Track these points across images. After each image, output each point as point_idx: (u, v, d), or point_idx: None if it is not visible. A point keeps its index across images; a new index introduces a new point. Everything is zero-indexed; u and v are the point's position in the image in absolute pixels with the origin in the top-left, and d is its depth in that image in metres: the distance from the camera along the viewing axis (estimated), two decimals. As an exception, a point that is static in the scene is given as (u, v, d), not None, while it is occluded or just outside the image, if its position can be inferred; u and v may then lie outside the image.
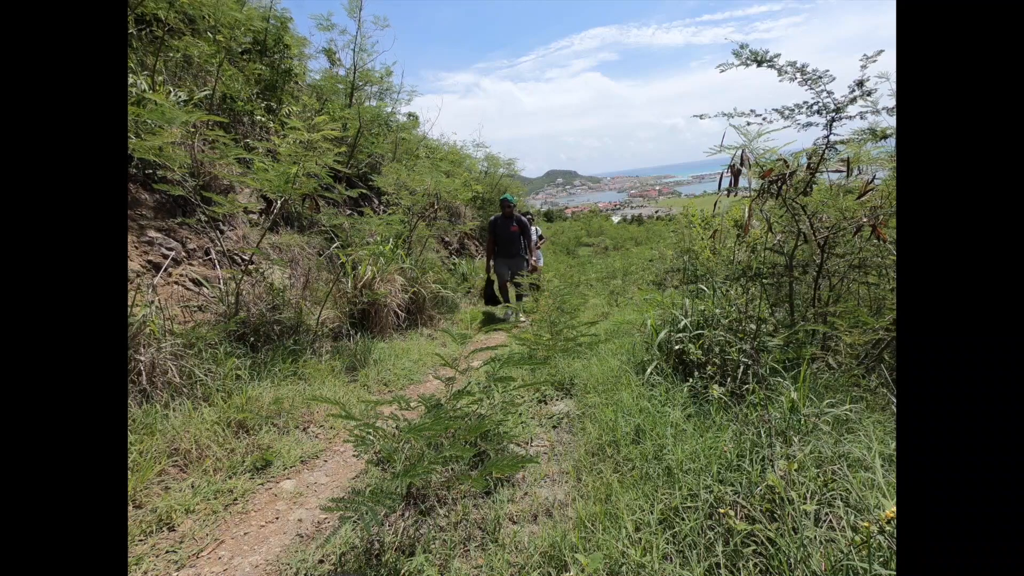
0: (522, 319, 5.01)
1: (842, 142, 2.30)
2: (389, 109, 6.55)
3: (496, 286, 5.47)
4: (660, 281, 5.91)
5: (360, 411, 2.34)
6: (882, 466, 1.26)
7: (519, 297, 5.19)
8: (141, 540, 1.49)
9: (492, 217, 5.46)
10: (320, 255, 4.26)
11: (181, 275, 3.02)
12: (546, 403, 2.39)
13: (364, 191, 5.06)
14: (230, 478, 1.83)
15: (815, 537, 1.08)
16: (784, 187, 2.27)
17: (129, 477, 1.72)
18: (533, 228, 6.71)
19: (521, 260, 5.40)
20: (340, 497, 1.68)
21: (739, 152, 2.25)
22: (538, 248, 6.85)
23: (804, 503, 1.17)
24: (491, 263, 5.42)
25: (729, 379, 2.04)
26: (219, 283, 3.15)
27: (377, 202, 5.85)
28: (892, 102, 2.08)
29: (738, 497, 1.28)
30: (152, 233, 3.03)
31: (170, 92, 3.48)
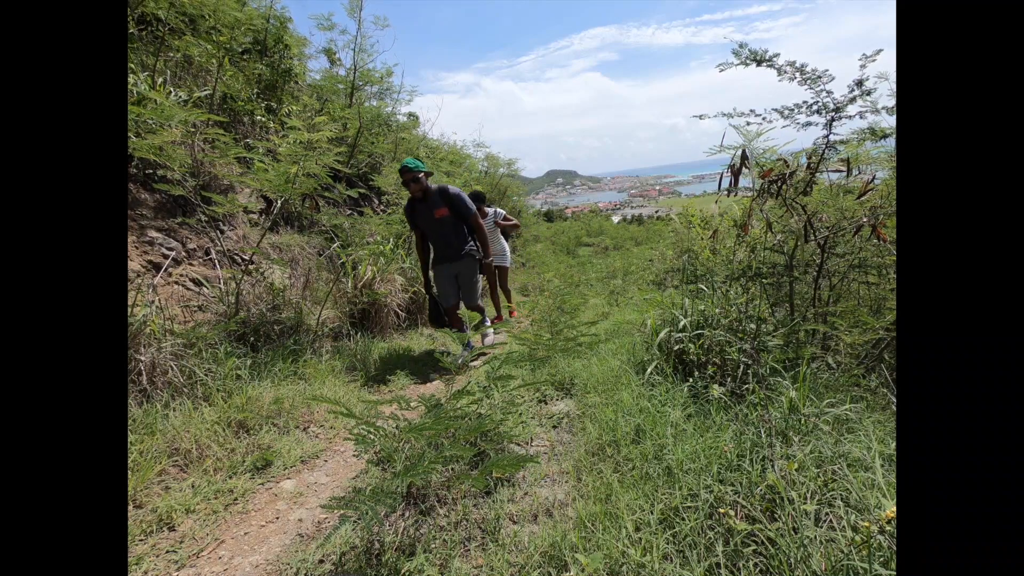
0: (470, 354, 3.44)
1: (842, 142, 2.30)
2: (389, 109, 6.56)
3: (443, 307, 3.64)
4: (660, 281, 5.91)
5: (360, 411, 2.34)
6: (882, 466, 1.26)
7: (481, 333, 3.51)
8: (141, 540, 1.49)
9: (407, 202, 3.45)
10: (320, 255, 4.26)
11: (181, 275, 3.02)
12: (546, 403, 2.39)
13: (364, 191, 5.05)
14: (230, 478, 1.83)
15: (815, 537, 1.08)
16: (784, 187, 2.27)
17: (129, 477, 1.72)
18: (493, 210, 4.92)
19: (470, 263, 3.47)
20: (340, 497, 1.68)
21: (739, 152, 2.25)
22: (502, 229, 4.93)
23: (804, 503, 1.17)
24: (430, 275, 3.59)
25: (729, 379, 2.04)
26: (219, 283, 3.15)
27: (377, 202, 5.84)
28: (891, 102, 2.08)
29: (738, 497, 1.28)
30: (152, 233, 3.03)
31: (170, 92, 3.48)
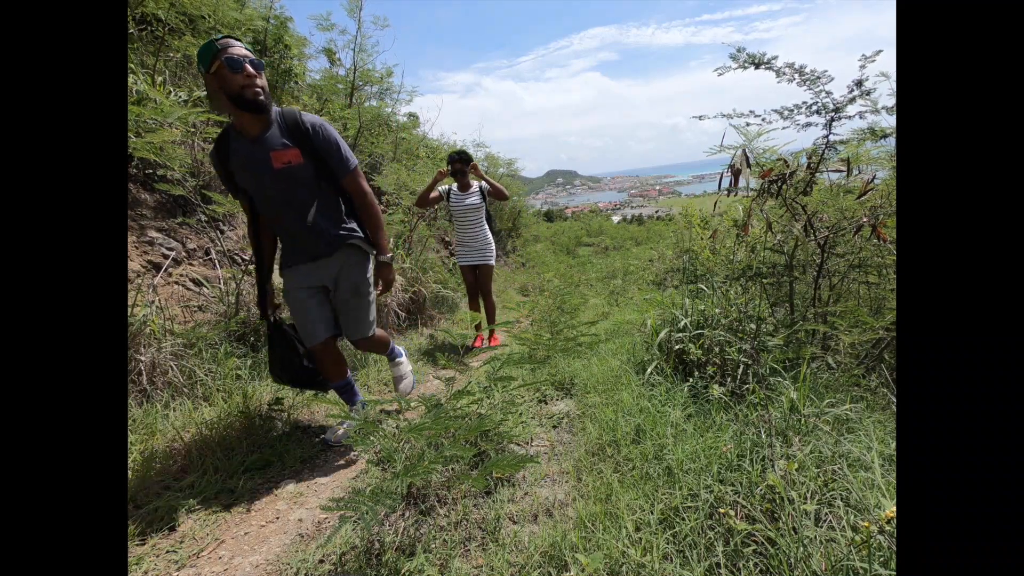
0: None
1: (842, 142, 2.30)
2: (389, 109, 6.56)
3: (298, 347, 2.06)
4: (660, 281, 5.92)
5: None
6: (882, 466, 1.26)
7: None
8: (141, 540, 1.49)
9: (221, 132, 1.74)
10: (320, 255, 4.26)
11: (181, 275, 3.02)
12: (546, 403, 2.39)
13: (364, 191, 5.05)
14: (230, 478, 1.83)
15: (815, 537, 1.08)
16: (784, 187, 2.27)
17: (129, 477, 1.72)
18: (477, 184, 3.55)
19: (353, 259, 1.97)
20: (340, 497, 1.68)
21: (739, 152, 2.26)
22: (488, 201, 3.61)
23: (804, 503, 1.17)
24: (271, 285, 2.03)
25: (729, 379, 2.04)
26: (219, 283, 3.15)
27: (378, 202, 5.83)
28: (891, 101, 2.08)
29: (738, 497, 1.28)
30: (152, 233, 3.03)
31: (170, 92, 3.48)
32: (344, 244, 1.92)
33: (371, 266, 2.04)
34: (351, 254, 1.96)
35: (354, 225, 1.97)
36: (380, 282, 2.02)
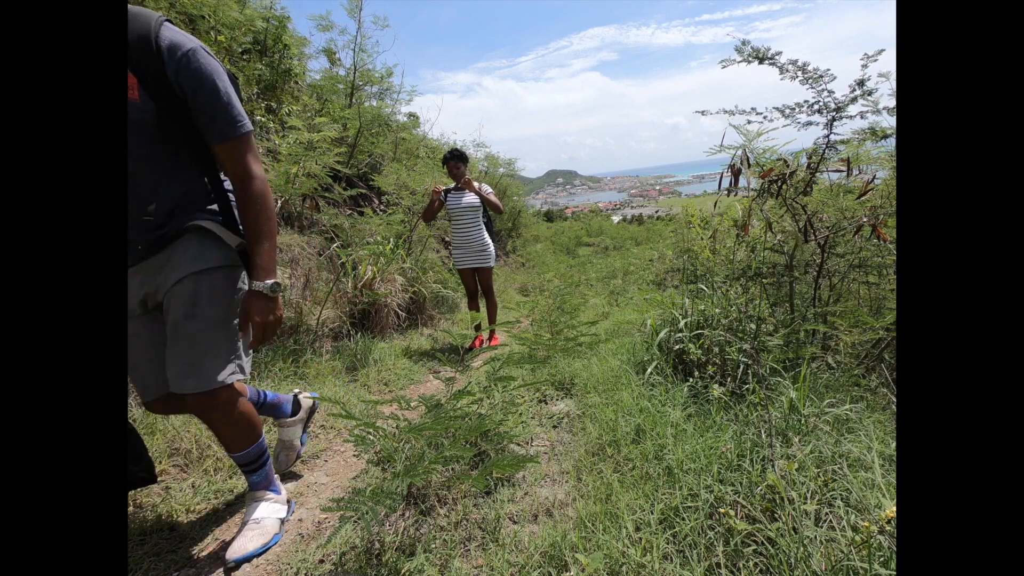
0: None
1: (842, 141, 2.30)
2: (389, 109, 6.56)
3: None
4: (660, 281, 5.92)
5: (360, 411, 2.33)
6: (882, 466, 1.26)
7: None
8: (141, 540, 1.49)
9: None
10: (320, 255, 4.26)
11: (181, 275, 3.02)
12: (546, 403, 2.39)
13: (364, 191, 5.05)
14: (230, 478, 1.83)
15: (815, 537, 1.08)
16: (784, 187, 2.27)
17: (129, 477, 1.72)
18: (477, 185, 3.42)
19: (196, 255, 1.18)
20: (340, 497, 1.68)
21: (739, 152, 2.26)
22: (487, 215, 3.58)
23: (804, 503, 1.17)
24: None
25: (729, 379, 2.04)
26: (219, 283, 3.15)
27: (377, 202, 5.84)
28: (892, 102, 2.08)
29: (738, 497, 1.28)
30: (152, 233, 3.03)
31: (170, 92, 3.49)
32: (185, 231, 1.19)
33: (238, 277, 1.28)
34: (191, 244, 1.19)
35: (210, 206, 1.23)
36: (249, 324, 1.22)
